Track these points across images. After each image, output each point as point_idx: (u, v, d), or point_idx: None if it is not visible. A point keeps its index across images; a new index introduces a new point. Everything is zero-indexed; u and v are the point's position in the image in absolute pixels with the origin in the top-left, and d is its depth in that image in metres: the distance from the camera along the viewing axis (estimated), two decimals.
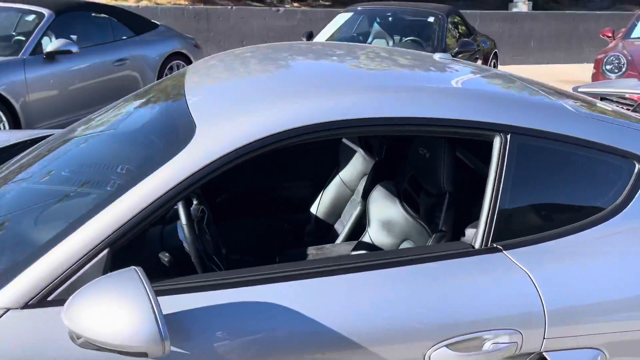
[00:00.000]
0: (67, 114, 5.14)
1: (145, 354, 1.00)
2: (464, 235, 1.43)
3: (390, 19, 5.91)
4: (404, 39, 5.75)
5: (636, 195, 1.42)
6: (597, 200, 1.42)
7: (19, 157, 1.84)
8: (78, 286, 1.15)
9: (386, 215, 1.89)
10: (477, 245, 1.34)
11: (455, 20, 6.46)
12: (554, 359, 1.27)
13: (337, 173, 2.61)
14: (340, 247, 2.16)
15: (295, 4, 13.33)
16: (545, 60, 11.43)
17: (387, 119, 1.32)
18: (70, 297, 1.07)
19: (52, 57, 4.90)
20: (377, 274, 1.27)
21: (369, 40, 6.14)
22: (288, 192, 2.73)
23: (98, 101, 5.55)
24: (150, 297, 1.01)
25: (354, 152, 2.55)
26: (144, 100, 1.79)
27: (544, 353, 1.27)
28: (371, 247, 1.95)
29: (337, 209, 2.58)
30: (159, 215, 1.21)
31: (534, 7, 12.66)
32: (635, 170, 1.44)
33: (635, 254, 1.36)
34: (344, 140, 2.59)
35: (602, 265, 1.33)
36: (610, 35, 7.33)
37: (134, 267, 1.09)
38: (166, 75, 6.37)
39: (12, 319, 1.12)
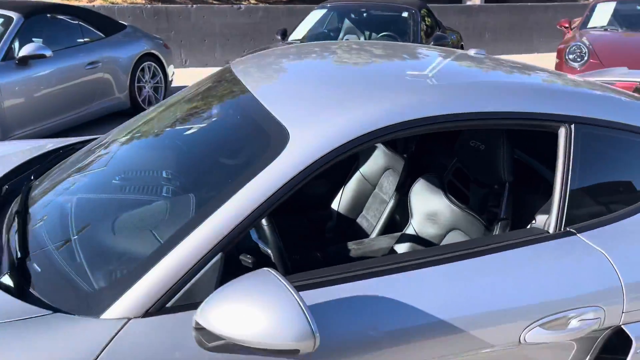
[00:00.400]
0: (44, 120, 4.96)
1: (297, 351, 1.03)
2: (533, 221, 1.53)
3: (364, 14, 6.00)
4: (378, 35, 5.84)
5: None
6: None
7: (74, 161, 1.80)
8: (195, 291, 1.16)
9: (431, 207, 1.96)
10: (551, 230, 1.43)
11: (422, 13, 6.62)
12: (631, 330, 1.38)
13: (357, 169, 2.66)
14: (379, 240, 2.22)
15: (253, 1, 13.23)
16: (499, 51, 11.83)
17: (472, 114, 1.39)
18: (206, 300, 1.08)
19: (25, 61, 4.71)
20: (469, 263, 1.34)
21: (340, 36, 6.21)
22: (308, 189, 2.76)
23: (74, 105, 5.38)
24: (295, 294, 1.04)
25: (374, 147, 2.61)
26: (205, 106, 1.79)
27: (622, 326, 1.38)
28: (416, 238, 2.02)
29: (358, 205, 2.64)
30: (263, 216, 1.23)
31: (486, 0, 13.09)
32: None
33: None
34: None
35: None
36: (567, 25, 7.71)
37: (265, 268, 1.11)
38: (139, 77, 6.22)
39: (134, 328, 1.12)
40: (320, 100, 1.45)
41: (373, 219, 2.51)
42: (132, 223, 1.43)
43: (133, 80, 6.14)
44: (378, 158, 2.58)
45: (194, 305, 1.15)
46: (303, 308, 1.02)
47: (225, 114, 1.70)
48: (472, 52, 2.00)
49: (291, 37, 6.06)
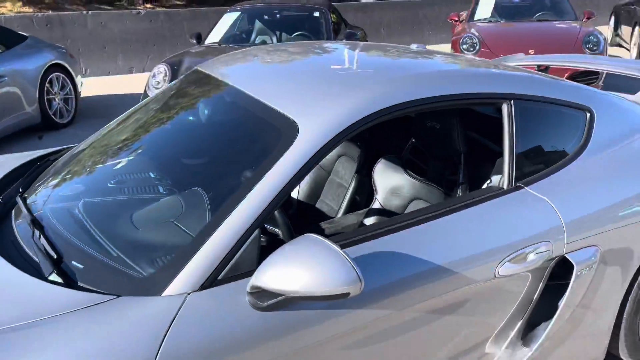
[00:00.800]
0: None
1: (347, 294, 1.25)
2: (489, 182, 1.87)
3: (277, 15, 6.22)
4: (292, 35, 6.09)
5: (591, 136, 1.98)
6: (569, 142, 1.95)
7: (65, 166, 1.88)
8: (240, 264, 1.35)
9: (393, 183, 2.26)
10: (505, 187, 1.77)
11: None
12: (572, 257, 1.76)
13: None
14: (348, 217, 2.48)
15: (148, 5, 12.92)
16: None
17: (439, 97, 1.69)
18: (261, 266, 1.27)
19: None
20: (449, 219, 1.64)
21: (253, 37, 6.38)
22: None
23: None
24: (339, 249, 1.26)
25: None
26: (194, 107, 1.93)
27: (565, 255, 1.75)
28: (382, 211, 2.31)
29: (316, 191, 2.89)
30: (288, 194, 1.44)
31: None
32: (587, 118, 2.00)
33: (607, 175, 1.91)
34: None
35: (590, 185, 1.86)
36: (456, 19, 8.47)
37: (307, 233, 1.32)
38: (48, 89, 5.95)
39: (194, 300, 1.28)
40: (312, 94, 1.68)
41: (333, 202, 2.77)
42: (172, 211, 1.57)
43: (42, 92, 5.89)
44: None
45: (241, 276, 1.34)
46: (348, 259, 1.25)
47: (225, 113, 1.86)
48: (414, 46, 2.32)
49: (208, 41, 6.13)
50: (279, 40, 6.04)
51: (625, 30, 10.36)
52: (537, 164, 1.86)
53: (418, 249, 1.54)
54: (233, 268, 1.33)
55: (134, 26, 9.93)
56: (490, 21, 7.84)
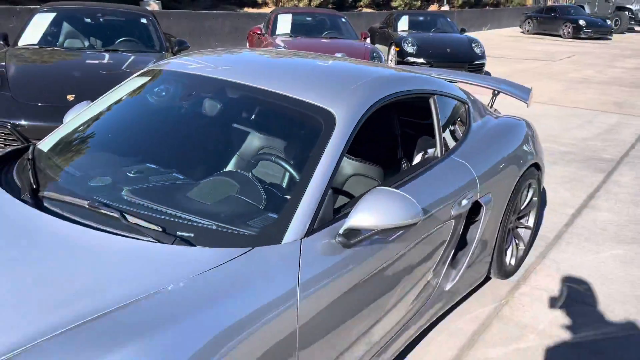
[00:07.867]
0: None
1: (415, 223, 1.75)
2: (426, 154, 2.56)
3: (101, 19, 5.98)
4: (119, 40, 5.95)
5: (470, 120, 2.85)
6: (464, 125, 2.78)
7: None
8: (323, 217, 1.74)
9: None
10: (439, 156, 2.49)
11: None
12: (481, 201, 2.57)
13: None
14: None
15: None
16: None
17: (403, 92, 2.31)
18: (352, 212, 1.70)
19: None
20: (415, 183, 2.25)
21: (60, 40, 5.99)
22: None
23: None
24: (405, 193, 1.76)
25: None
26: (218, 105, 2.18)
27: (478, 199, 2.56)
28: None
29: None
30: (339, 163, 1.86)
31: (163, 7, 13.78)
32: (467, 108, 2.88)
33: (487, 145, 2.80)
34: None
35: (481, 152, 2.70)
36: (259, 32, 9.21)
37: (379, 186, 1.78)
38: None
39: (305, 244, 1.65)
40: (325, 86, 2.12)
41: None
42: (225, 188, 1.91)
43: None
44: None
45: (324, 226, 1.74)
46: (412, 199, 1.76)
47: (242, 108, 2.16)
48: (338, 54, 2.90)
49: (23, 42, 5.58)
50: (106, 44, 5.84)
51: (382, 48, 12.57)
52: (455, 137, 2.64)
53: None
54: (320, 219, 1.73)
55: None
56: (291, 36, 8.81)
